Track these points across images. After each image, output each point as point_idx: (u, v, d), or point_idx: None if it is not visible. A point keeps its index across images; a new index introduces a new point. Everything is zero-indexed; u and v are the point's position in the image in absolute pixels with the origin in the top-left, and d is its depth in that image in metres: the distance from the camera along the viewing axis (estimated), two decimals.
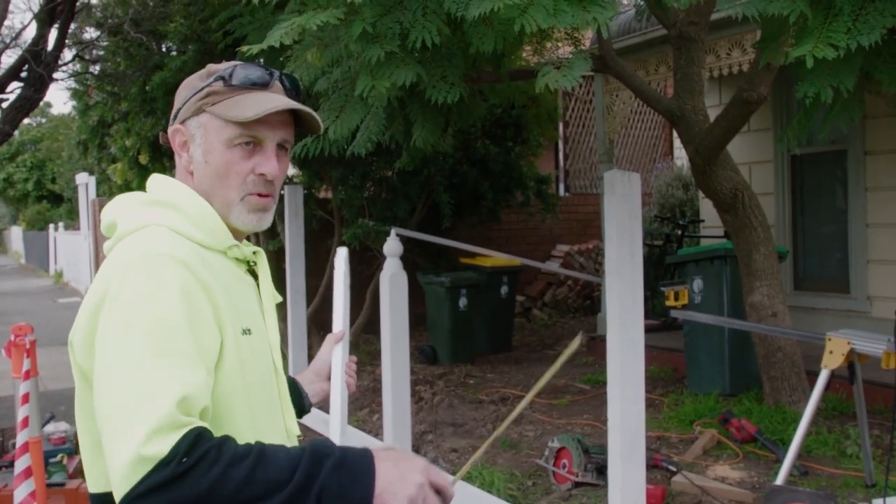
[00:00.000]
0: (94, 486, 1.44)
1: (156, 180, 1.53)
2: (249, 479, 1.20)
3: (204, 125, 1.48)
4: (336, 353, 1.86)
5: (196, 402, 1.25)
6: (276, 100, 1.48)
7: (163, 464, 1.17)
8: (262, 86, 1.50)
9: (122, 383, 1.24)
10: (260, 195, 1.50)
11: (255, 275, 1.57)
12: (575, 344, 1.78)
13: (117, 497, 1.20)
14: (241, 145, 1.47)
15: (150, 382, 1.23)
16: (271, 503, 1.20)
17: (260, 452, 1.24)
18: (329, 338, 1.88)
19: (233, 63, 1.53)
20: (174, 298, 1.30)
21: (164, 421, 1.19)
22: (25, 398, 4.49)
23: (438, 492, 1.32)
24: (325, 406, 1.88)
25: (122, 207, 1.49)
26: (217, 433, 1.30)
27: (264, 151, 1.49)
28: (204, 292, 1.35)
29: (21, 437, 4.38)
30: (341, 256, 1.93)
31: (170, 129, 1.54)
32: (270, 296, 1.57)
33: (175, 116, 1.52)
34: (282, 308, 6.91)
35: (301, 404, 1.81)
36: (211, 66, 1.53)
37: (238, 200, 1.49)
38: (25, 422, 4.43)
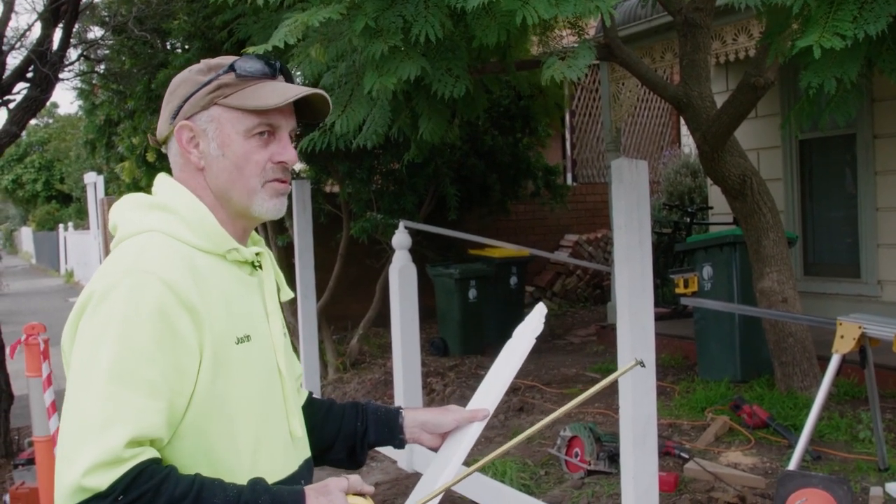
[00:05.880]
0: None
1: (160, 181, 1.52)
2: None
3: (216, 118, 1.46)
4: (470, 431, 1.66)
5: (149, 434, 1.28)
6: (291, 88, 1.48)
7: (99, 497, 1.21)
8: (271, 76, 1.50)
9: (82, 405, 1.27)
10: (279, 181, 1.50)
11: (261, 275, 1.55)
12: (628, 366, 1.71)
13: None
14: (258, 135, 1.47)
15: (107, 411, 1.25)
16: None
17: (197, 495, 1.26)
18: (465, 411, 1.71)
19: (229, 57, 1.52)
20: (149, 321, 1.30)
21: (109, 455, 1.22)
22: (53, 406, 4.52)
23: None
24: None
25: (123, 210, 1.49)
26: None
27: (280, 140, 1.50)
28: (187, 314, 1.33)
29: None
30: (539, 313, 1.72)
31: (170, 127, 1.49)
32: (275, 296, 1.55)
33: (175, 114, 1.48)
34: (292, 302, 6.93)
35: (393, 437, 1.73)
36: (207, 61, 1.51)
37: (259, 188, 1.48)
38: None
